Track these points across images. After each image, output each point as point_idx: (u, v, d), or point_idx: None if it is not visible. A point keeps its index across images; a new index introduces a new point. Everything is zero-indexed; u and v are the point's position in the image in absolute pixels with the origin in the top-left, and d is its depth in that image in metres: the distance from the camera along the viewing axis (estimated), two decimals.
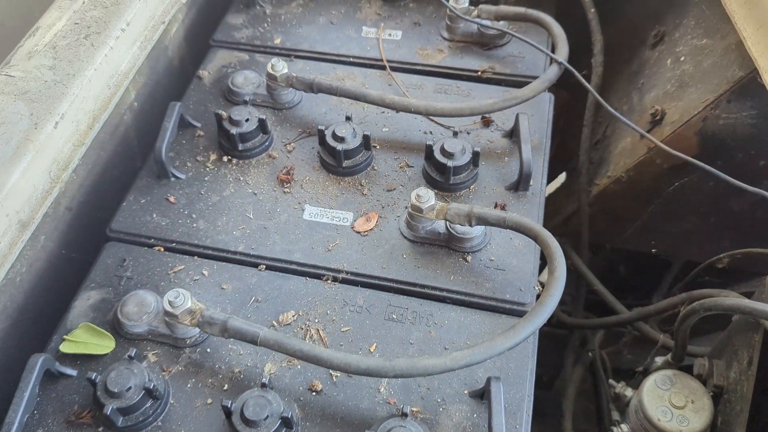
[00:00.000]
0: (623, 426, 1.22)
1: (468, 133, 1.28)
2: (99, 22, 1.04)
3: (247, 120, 1.21)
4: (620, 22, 1.62)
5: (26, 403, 0.90)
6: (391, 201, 1.18)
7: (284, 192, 1.19)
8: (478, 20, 1.39)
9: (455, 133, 1.21)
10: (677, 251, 1.63)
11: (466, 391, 0.96)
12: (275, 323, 1.03)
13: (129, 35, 1.10)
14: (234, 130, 1.20)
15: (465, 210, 1.05)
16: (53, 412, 0.93)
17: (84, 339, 0.99)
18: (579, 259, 1.57)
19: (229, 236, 1.13)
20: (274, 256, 1.11)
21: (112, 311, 1.03)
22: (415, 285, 1.07)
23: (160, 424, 0.92)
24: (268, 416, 0.87)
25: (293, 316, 1.04)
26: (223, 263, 1.11)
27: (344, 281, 1.09)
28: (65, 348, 0.98)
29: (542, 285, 1.04)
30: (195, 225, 1.14)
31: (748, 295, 1.27)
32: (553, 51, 1.33)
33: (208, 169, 1.22)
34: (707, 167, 1.14)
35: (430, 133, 1.29)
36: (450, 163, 1.15)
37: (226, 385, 0.96)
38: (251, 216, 1.16)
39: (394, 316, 1.04)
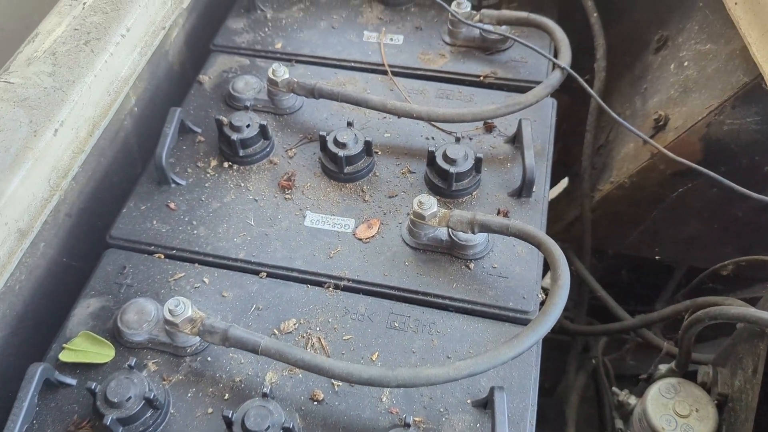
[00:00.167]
0: None
1: (470, 139, 1.27)
2: (99, 28, 1.04)
3: (248, 126, 1.21)
4: (623, 26, 1.61)
5: (25, 413, 0.89)
6: (393, 207, 1.17)
7: (285, 198, 1.18)
8: (480, 25, 1.38)
9: (457, 139, 1.20)
10: (681, 257, 1.62)
11: (469, 401, 0.95)
12: (276, 331, 1.02)
13: (129, 41, 1.09)
14: (235, 136, 1.19)
15: (468, 217, 1.04)
16: (52, 422, 0.92)
17: (83, 348, 0.98)
18: (582, 264, 1.56)
19: (230, 243, 1.12)
20: (275, 264, 1.10)
21: (112, 319, 1.02)
22: (417, 293, 1.06)
23: None
24: (269, 426, 0.86)
25: (294, 324, 1.03)
26: (224, 270, 1.10)
27: (346, 289, 1.08)
28: (64, 357, 0.97)
29: (545, 291, 1.03)
30: (195, 232, 1.14)
31: (753, 301, 1.26)
32: (555, 56, 1.32)
33: (208, 175, 1.22)
34: (711, 173, 1.13)
35: (432, 138, 1.28)
36: (452, 170, 1.14)
37: (227, 395, 0.95)
38: (252, 223, 1.15)
39: (396, 324, 1.03)
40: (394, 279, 1.08)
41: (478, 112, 1.21)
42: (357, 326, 1.03)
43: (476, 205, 1.17)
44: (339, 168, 1.19)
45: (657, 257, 1.59)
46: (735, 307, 1.01)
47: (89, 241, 1.16)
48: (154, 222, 1.15)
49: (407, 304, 1.06)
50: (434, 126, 1.29)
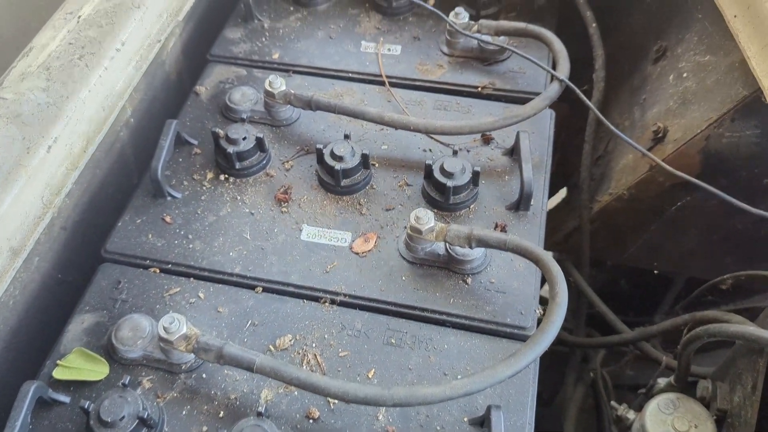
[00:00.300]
0: None
1: (468, 151, 1.27)
2: (94, 42, 1.03)
3: (244, 138, 1.20)
4: (622, 35, 1.60)
5: None
6: (390, 221, 1.17)
7: (282, 211, 1.18)
8: (478, 36, 1.37)
9: (455, 152, 1.19)
10: (680, 268, 1.61)
11: (465, 419, 0.94)
12: (272, 348, 1.01)
13: (124, 55, 1.08)
14: (231, 149, 1.18)
15: (465, 232, 1.03)
16: None
17: (77, 365, 0.98)
18: (580, 276, 1.56)
19: (226, 257, 1.11)
20: (271, 278, 1.09)
21: (107, 336, 1.01)
22: (414, 308, 1.06)
23: None
24: None
25: (290, 340, 1.02)
26: (220, 285, 1.09)
27: (342, 304, 1.07)
28: (58, 374, 0.97)
29: (543, 305, 1.02)
30: (191, 246, 1.13)
31: (754, 311, 1.25)
32: (554, 67, 1.31)
33: (204, 187, 1.21)
34: (709, 188, 1.12)
35: (430, 150, 1.27)
36: (450, 183, 1.14)
37: (222, 413, 0.94)
38: (248, 236, 1.14)
39: (392, 340, 1.02)
40: (391, 294, 1.07)
41: (476, 125, 1.20)
42: (353, 342, 1.02)
43: (474, 219, 1.17)
44: (336, 181, 1.18)
45: (655, 273, 1.58)
46: (734, 325, 1.00)
47: (85, 254, 1.15)
48: (150, 236, 1.14)
49: (404, 320, 1.05)
50: (432, 138, 1.28)
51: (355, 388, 0.86)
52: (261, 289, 1.09)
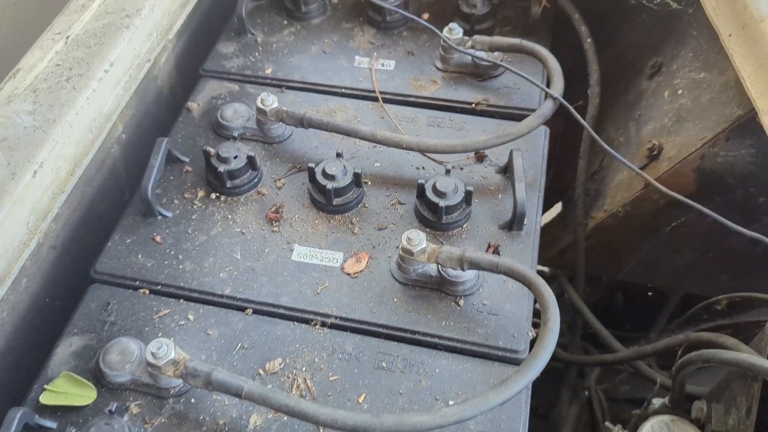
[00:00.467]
0: None
1: (461, 169, 1.26)
2: (81, 63, 1.02)
3: (235, 157, 1.19)
4: (617, 50, 1.59)
5: None
6: (382, 240, 1.16)
7: (273, 231, 1.17)
8: (472, 51, 1.36)
9: (447, 171, 1.18)
10: (676, 285, 1.60)
11: None
12: (261, 372, 1.00)
13: (113, 76, 1.07)
14: (222, 168, 1.17)
15: (457, 253, 1.02)
16: None
17: (65, 389, 0.97)
18: (575, 293, 1.54)
19: (216, 278, 1.10)
20: (262, 300, 1.08)
21: (95, 359, 1.00)
22: (405, 331, 1.05)
23: None
24: None
25: (280, 364, 1.01)
26: (209, 307, 1.08)
27: (333, 326, 1.06)
28: (45, 399, 0.96)
29: (536, 327, 1.01)
30: (181, 266, 1.12)
31: (750, 326, 1.25)
32: (548, 84, 1.30)
33: (195, 206, 1.20)
34: (703, 209, 1.11)
35: (423, 168, 1.26)
36: (442, 203, 1.13)
37: None
38: (239, 257, 1.13)
39: (383, 364, 1.01)
40: (383, 316, 1.06)
41: (469, 143, 1.20)
42: (344, 366, 1.01)
43: (466, 238, 1.16)
44: (328, 200, 1.17)
45: (651, 288, 1.57)
46: (727, 351, 0.99)
47: (74, 273, 1.14)
48: (140, 256, 1.13)
49: (395, 343, 1.04)
50: (425, 155, 1.27)
51: (344, 416, 0.85)
52: (251, 311, 1.08)
